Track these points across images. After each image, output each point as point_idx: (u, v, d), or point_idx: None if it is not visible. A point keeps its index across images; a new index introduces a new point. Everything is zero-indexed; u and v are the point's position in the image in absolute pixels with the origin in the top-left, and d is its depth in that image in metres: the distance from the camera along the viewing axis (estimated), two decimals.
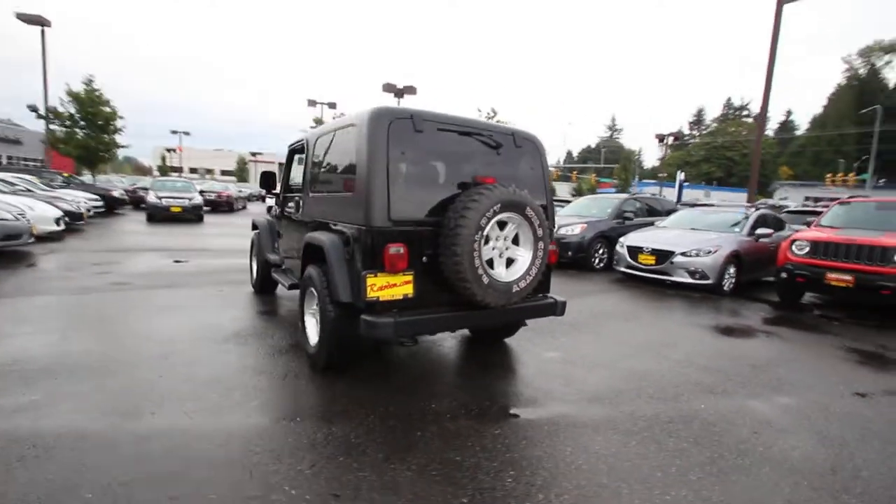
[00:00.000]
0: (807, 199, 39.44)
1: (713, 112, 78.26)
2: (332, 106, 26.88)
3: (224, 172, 62.99)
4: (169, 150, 51.93)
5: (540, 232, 3.17)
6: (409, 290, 2.92)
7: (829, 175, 39.73)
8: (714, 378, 3.80)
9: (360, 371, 3.49)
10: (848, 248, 6.19)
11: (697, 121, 78.01)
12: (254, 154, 56.34)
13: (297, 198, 4.34)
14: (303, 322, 3.71)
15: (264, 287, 5.84)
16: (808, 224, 8.96)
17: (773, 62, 11.42)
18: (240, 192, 24.83)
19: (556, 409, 3.09)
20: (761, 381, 3.81)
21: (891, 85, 57.52)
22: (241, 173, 55.05)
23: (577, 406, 3.14)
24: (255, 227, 6.20)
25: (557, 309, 3.60)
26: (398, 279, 2.88)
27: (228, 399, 2.95)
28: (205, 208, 17.09)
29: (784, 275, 6.82)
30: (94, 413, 2.70)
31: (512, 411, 3.01)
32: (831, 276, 6.23)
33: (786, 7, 12.32)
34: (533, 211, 3.11)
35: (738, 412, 3.19)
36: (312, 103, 26.61)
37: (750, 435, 2.87)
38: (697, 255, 7.43)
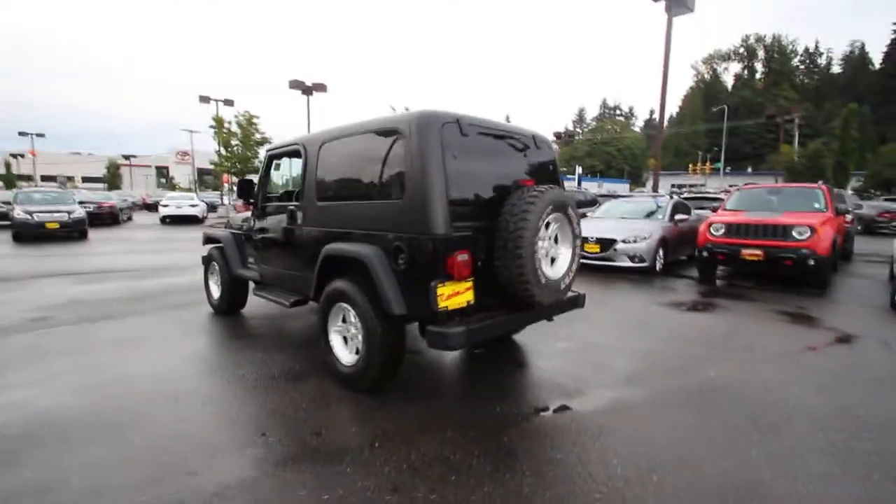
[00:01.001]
0: (672, 186, 45.58)
1: (592, 111, 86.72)
2: (229, 103, 24.59)
3: (86, 179, 54.49)
4: (15, 156, 43.45)
5: (577, 230, 3.32)
6: (470, 296, 2.87)
7: (690, 164, 46.36)
8: (701, 349, 4.30)
9: (393, 385, 3.34)
10: (757, 227, 7.34)
11: (580, 119, 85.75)
12: (127, 157, 49.49)
13: (290, 207, 3.98)
14: (327, 341, 3.44)
15: (232, 307, 5.26)
16: (714, 210, 10.41)
17: (667, 69, 13.06)
18: (124, 201, 21.71)
19: (605, 394, 3.27)
20: (736, 346, 4.40)
21: (729, 87, 68.70)
22: (112, 179, 48.00)
23: (619, 390, 3.36)
24: (211, 240, 5.55)
25: (581, 301, 3.79)
26: (462, 286, 2.82)
27: (286, 436, 2.65)
28: None
29: (705, 253, 7.87)
30: (139, 478, 2.26)
31: (569, 404, 3.12)
32: (745, 251, 7.34)
33: (647, 18, 14.11)
34: (573, 210, 3.24)
35: (741, 375, 3.66)
36: (205, 100, 24.05)
37: (765, 394, 3.32)
38: (635, 241, 8.25)
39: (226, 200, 28.25)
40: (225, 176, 27.51)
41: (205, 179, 63.31)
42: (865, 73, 68.20)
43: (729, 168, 51.42)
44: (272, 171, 4.62)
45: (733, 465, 2.42)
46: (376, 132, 3.14)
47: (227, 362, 3.82)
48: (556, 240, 3.28)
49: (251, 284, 4.96)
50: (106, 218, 18.17)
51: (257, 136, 20.24)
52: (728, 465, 2.42)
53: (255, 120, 20.01)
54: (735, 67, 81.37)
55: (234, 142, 19.95)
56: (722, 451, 2.55)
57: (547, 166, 3.68)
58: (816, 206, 7.84)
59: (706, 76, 77.15)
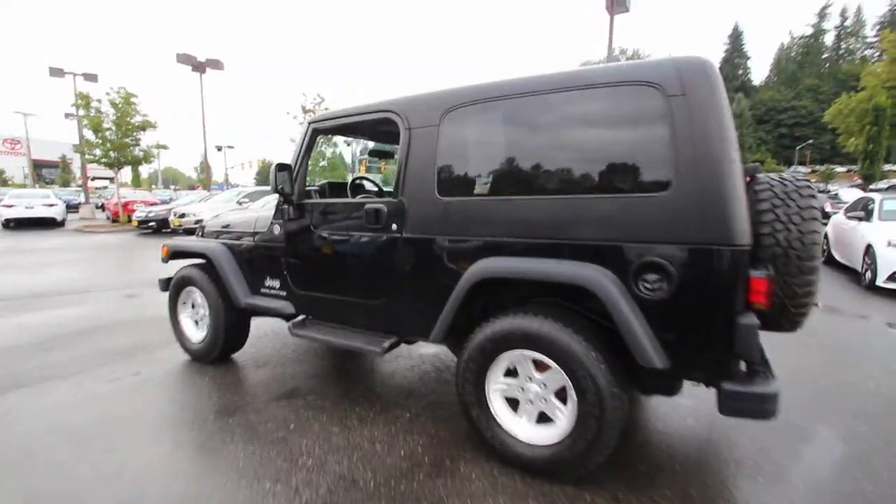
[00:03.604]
0: None
1: None
2: (91, 78, 19.76)
3: None
4: None
5: None
6: None
7: None
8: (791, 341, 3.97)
9: None
10: None
11: None
12: None
13: (376, 206, 2.67)
14: (484, 406, 2.30)
15: (226, 351, 3.66)
16: None
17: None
18: None
19: (827, 428, 2.64)
20: (803, 339, 4.16)
21: None
22: None
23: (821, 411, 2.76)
24: (182, 254, 3.83)
25: None
26: None
27: None
28: None
29: None
30: None
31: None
32: None
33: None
34: None
35: (851, 377, 3.33)
36: (58, 73, 18.91)
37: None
38: None
39: (91, 198, 23.10)
40: (85, 168, 22.39)
41: (42, 174, 51.91)
42: None
43: None
44: (313, 151, 3.17)
45: None
46: (592, 88, 2.06)
47: (315, 459, 2.41)
48: None
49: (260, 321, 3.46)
50: None
51: (137, 117, 16.47)
52: None
53: (133, 99, 16.25)
54: None
55: (106, 124, 15.94)
56: None
57: None
58: None
59: None
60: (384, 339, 2.74)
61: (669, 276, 1.89)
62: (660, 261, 1.90)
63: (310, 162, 3.28)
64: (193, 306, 3.76)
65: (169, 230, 14.06)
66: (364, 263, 2.78)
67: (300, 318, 3.19)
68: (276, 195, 3.09)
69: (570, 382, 2.05)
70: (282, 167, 2.90)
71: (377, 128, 3.23)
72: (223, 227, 3.76)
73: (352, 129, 3.10)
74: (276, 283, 3.27)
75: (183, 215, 13.24)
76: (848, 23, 75.87)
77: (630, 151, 2.00)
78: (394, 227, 2.62)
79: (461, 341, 2.49)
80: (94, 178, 33.98)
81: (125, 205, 17.93)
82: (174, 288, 3.79)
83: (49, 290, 6.39)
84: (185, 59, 18.52)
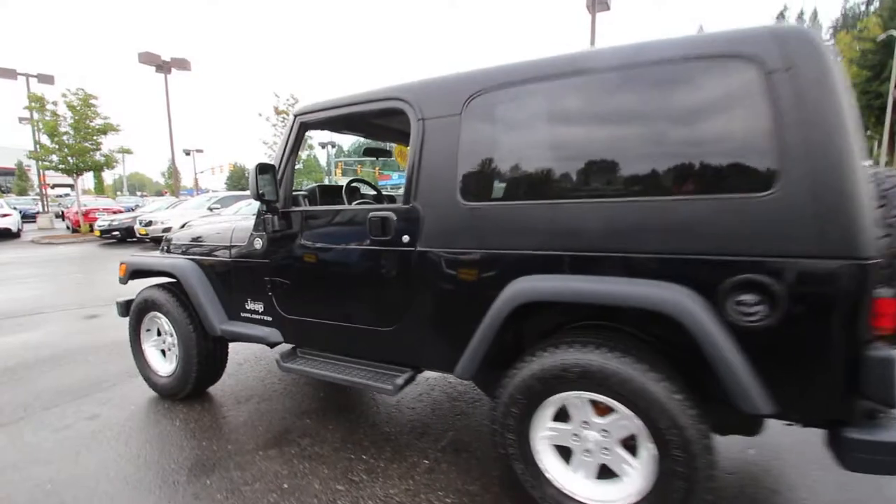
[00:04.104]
0: None
1: None
2: (47, 80, 18.49)
3: None
4: None
5: None
6: None
7: None
8: None
9: None
10: None
11: None
12: None
13: (383, 215, 2.20)
14: (533, 459, 1.86)
15: (200, 386, 3.13)
16: None
17: None
18: None
19: None
20: None
21: None
22: None
23: None
24: (143, 273, 3.28)
25: None
26: None
27: None
28: None
29: None
30: None
31: None
32: None
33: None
34: None
35: None
36: (9, 75, 17.67)
37: None
38: None
39: (50, 207, 21.75)
40: (43, 175, 21.03)
41: None
42: None
43: None
44: (300, 149, 2.68)
45: None
46: (663, 64, 1.64)
47: None
48: None
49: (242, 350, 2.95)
50: None
51: (98, 120, 15.41)
52: None
53: (93, 101, 15.19)
54: None
55: (63, 128, 14.85)
56: None
57: None
58: None
59: None
60: (396, 373, 2.28)
61: (774, 297, 1.49)
62: (760, 278, 1.50)
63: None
64: (160, 333, 3.21)
65: (134, 239, 13.19)
66: (369, 283, 2.30)
67: (289, 347, 2.71)
68: (257, 202, 2.59)
69: (647, 432, 1.63)
70: (264, 168, 2.40)
71: (379, 121, 2.77)
72: (193, 240, 3.22)
73: (348, 122, 2.62)
74: (260, 307, 2.76)
75: (149, 223, 12.42)
76: (805, 25, 78.82)
77: (715, 141, 1.58)
78: (405, 238, 2.16)
79: (490, 373, 2.08)
80: (54, 186, 32.09)
81: (86, 213, 16.81)
82: (135, 313, 3.23)
83: None
84: (147, 58, 17.53)
